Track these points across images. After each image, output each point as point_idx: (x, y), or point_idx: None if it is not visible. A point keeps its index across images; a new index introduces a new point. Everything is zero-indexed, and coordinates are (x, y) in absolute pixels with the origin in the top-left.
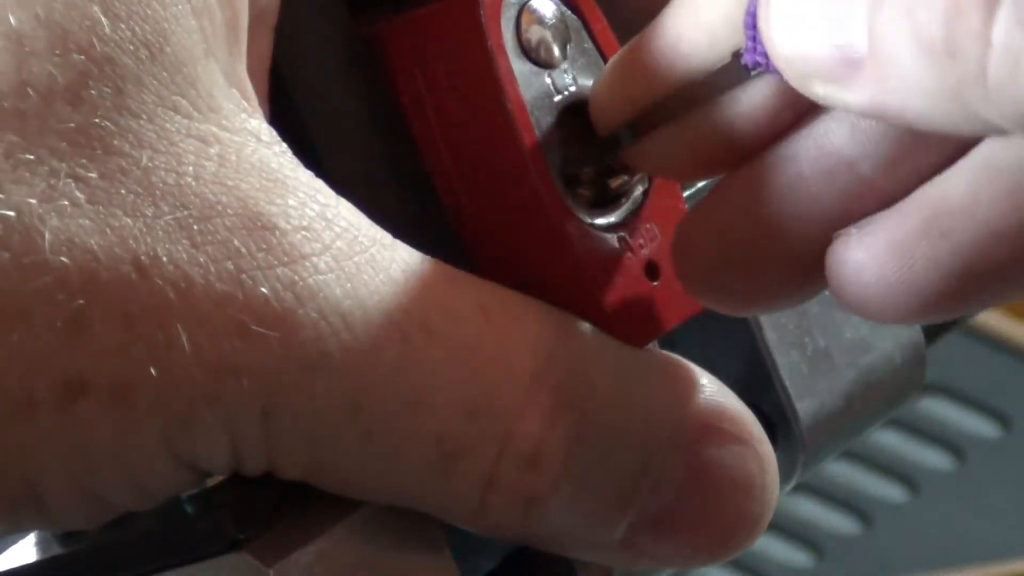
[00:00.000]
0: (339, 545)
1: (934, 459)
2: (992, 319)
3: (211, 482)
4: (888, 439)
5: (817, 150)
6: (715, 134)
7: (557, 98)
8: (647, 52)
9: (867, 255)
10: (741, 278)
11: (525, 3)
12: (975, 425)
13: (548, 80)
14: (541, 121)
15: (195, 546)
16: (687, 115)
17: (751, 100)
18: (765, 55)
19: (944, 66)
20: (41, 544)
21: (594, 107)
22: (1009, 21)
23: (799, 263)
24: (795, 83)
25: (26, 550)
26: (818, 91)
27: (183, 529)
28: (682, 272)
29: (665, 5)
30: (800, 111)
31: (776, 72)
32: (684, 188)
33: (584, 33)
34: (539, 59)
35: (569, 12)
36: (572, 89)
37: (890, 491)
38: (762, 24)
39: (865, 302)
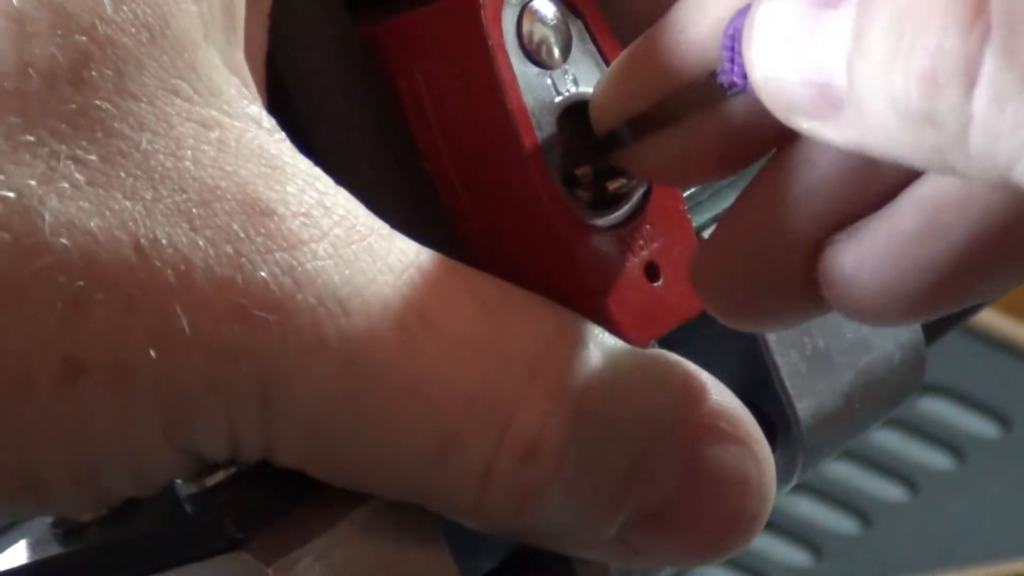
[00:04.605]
0: (338, 544)
1: (934, 459)
2: (992, 319)
3: (211, 481)
4: (888, 439)
5: (803, 162)
6: (706, 141)
7: (558, 99)
8: (647, 53)
9: (860, 258)
10: (757, 296)
11: (526, 4)
12: (975, 425)
13: (549, 81)
14: (541, 122)
15: (195, 546)
16: (680, 120)
17: (742, 109)
18: (744, 77)
19: (924, 131)
20: (41, 544)
21: (593, 106)
22: (988, 97)
23: (802, 275)
24: (775, 113)
25: (26, 550)
26: (799, 124)
27: (183, 529)
28: (705, 300)
29: (668, 7)
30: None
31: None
32: (685, 190)
33: (585, 34)
34: (540, 60)
35: (570, 13)
36: (573, 90)
37: (890, 491)
38: (745, 46)
39: (860, 305)
